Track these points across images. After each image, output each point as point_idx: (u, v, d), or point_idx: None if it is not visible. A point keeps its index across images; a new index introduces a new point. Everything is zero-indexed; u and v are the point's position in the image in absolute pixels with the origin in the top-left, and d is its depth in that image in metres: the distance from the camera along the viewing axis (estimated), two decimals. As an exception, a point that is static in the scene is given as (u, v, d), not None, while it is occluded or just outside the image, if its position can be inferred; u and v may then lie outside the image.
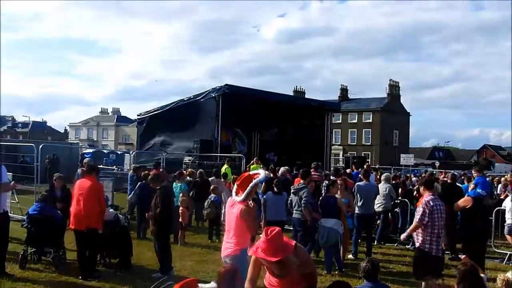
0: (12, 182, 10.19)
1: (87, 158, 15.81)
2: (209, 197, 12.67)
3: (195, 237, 12.70)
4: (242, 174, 6.33)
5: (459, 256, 8.09)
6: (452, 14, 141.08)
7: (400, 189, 14.62)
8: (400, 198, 13.91)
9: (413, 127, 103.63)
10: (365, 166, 16.23)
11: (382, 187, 12.87)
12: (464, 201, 9.49)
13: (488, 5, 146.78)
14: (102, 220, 8.48)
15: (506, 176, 19.28)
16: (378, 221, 13.12)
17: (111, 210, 9.86)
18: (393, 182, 14.44)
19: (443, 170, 31.17)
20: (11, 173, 13.61)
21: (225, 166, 18.06)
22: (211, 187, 13.21)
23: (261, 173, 6.14)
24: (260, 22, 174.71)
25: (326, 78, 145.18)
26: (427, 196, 7.60)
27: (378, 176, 16.31)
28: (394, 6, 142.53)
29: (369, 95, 75.59)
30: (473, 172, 11.94)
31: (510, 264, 10.88)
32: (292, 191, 10.21)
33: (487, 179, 13.61)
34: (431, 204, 7.38)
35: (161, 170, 14.45)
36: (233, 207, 6.01)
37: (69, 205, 8.76)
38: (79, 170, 14.06)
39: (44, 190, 10.66)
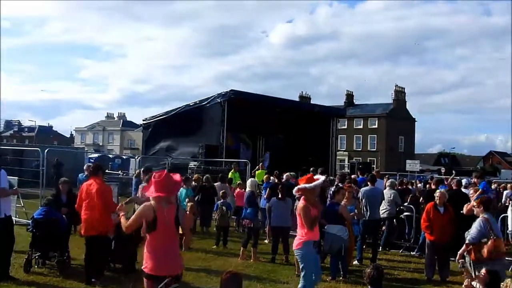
0: (15, 188, 10.18)
1: (88, 164, 15.73)
2: (219, 203, 12.64)
3: (200, 242, 12.68)
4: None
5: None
6: (458, 19, 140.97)
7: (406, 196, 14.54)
8: (406, 204, 13.83)
9: (418, 133, 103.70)
10: (374, 172, 16.13)
11: (387, 193, 12.81)
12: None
13: (496, 10, 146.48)
14: (111, 223, 8.34)
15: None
16: (383, 227, 13.07)
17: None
18: (399, 188, 14.37)
19: (449, 176, 30.98)
20: (16, 178, 13.66)
21: (232, 171, 18.08)
22: (221, 192, 13.21)
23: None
24: (268, 27, 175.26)
25: (331, 84, 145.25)
26: None
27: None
28: (401, 11, 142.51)
29: (375, 101, 75.75)
30: (474, 179, 11.91)
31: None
32: (296, 196, 10.17)
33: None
34: None
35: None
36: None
37: (74, 210, 8.74)
38: (80, 175, 14.07)
39: (50, 195, 10.68)
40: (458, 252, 7.41)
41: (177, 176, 5.38)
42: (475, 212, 7.51)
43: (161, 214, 5.12)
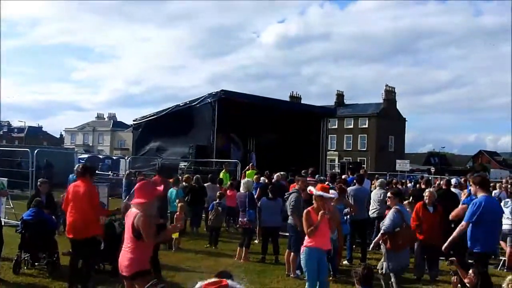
0: (5, 189, 10.12)
1: (79, 165, 15.69)
2: (215, 203, 12.64)
3: (190, 243, 12.67)
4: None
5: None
6: (451, 19, 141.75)
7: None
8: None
9: (409, 133, 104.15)
10: (361, 171, 16.23)
11: (377, 193, 12.85)
12: (462, 210, 9.40)
13: (488, 10, 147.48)
14: (99, 226, 8.10)
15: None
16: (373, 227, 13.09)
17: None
18: (387, 187, 14.40)
19: (439, 176, 31.22)
20: (6, 179, 13.59)
21: (223, 172, 18.07)
22: (218, 193, 13.21)
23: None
24: (260, 28, 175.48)
25: (323, 83, 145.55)
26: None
27: (374, 183, 16.26)
28: (393, 11, 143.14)
29: (366, 101, 75.90)
30: (469, 181, 12.02)
31: (505, 270, 10.85)
32: (285, 196, 10.27)
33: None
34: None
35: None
36: None
37: (55, 210, 8.65)
38: (70, 176, 14.01)
39: (31, 195, 10.61)
40: (373, 241, 7.74)
41: (160, 187, 6.06)
42: (389, 203, 7.99)
43: (128, 218, 5.57)
